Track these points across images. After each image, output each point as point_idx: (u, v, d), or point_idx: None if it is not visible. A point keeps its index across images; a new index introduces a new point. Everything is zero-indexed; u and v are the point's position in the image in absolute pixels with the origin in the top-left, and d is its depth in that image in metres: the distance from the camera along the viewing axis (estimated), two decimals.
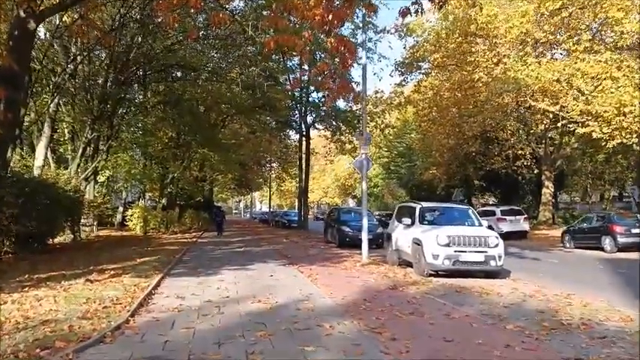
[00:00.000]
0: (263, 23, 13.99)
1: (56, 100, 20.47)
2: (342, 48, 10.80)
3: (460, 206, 15.72)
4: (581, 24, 27.04)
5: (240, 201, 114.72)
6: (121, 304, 7.57)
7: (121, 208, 34.40)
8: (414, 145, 49.62)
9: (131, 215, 28.69)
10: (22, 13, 12.18)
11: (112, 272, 10.84)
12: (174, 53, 24.93)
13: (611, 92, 24.18)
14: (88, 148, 22.65)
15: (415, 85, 34.69)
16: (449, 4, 28.91)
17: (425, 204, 14.61)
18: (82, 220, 23.06)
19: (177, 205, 35.17)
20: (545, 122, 29.99)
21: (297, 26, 18.46)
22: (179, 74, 28.66)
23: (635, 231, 20.19)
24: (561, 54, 29.74)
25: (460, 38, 29.48)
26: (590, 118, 25.32)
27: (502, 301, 8.88)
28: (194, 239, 24.93)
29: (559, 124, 28.25)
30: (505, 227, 26.85)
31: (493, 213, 28.94)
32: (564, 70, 25.28)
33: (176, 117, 29.04)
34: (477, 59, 28.42)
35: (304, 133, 38.46)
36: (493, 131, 34.90)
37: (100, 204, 26.58)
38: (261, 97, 26.82)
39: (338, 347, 5.67)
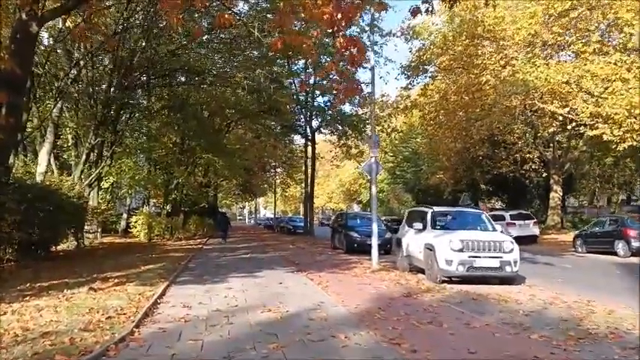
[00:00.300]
0: (269, 24, 13.73)
1: (59, 105, 20.21)
2: (352, 47, 10.51)
3: (473, 210, 15.36)
4: (591, 25, 26.67)
5: (244, 207, 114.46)
6: (125, 314, 7.23)
7: (125, 215, 34.12)
8: (420, 150, 49.25)
9: (135, 222, 28.38)
10: (24, 16, 11.93)
11: (116, 280, 10.51)
12: (179, 57, 24.66)
13: (622, 94, 23.81)
14: (92, 154, 22.36)
15: (422, 89, 34.34)
16: (457, 6, 28.85)
17: (437, 208, 14.24)
18: (86, 227, 22.76)
19: (182, 212, 34.85)
20: (554, 125, 29.52)
21: (304, 28, 18.21)
22: (183, 79, 28.38)
23: None
24: (569, 55, 29.37)
25: (467, 40, 29.12)
26: (600, 120, 24.95)
27: (521, 308, 8.51)
28: (199, 246, 24.60)
29: (568, 127, 27.80)
30: (514, 232, 26.34)
31: (502, 217, 28.50)
32: (573, 71, 24.90)
33: (180, 122, 28.75)
34: (484, 62, 28.06)
35: (309, 137, 38.14)
36: (500, 135, 34.55)
37: (104, 210, 26.32)
38: (267, 100, 26.57)
39: None
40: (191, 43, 24.60)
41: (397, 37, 33.37)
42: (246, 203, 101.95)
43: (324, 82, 32.42)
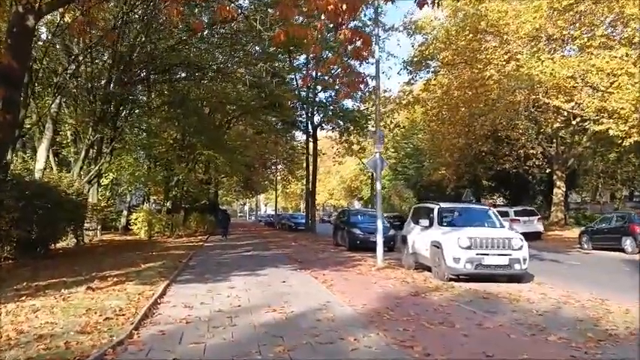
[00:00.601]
0: (272, 16, 13.43)
1: (57, 101, 19.90)
2: (357, 39, 10.22)
3: (480, 206, 15.04)
4: (596, 19, 26.32)
5: (244, 204, 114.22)
6: (124, 315, 6.95)
7: (125, 212, 33.84)
8: (422, 146, 48.97)
9: (135, 219, 28.11)
10: (20, 9, 11.62)
11: (115, 279, 10.24)
12: (179, 53, 24.33)
13: (627, 89, 23.51)
14: (91, 150, 22.06)
15: (424, 84, 34.00)
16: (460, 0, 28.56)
17: (443, 204, 13.92)
18: (86, 224, 22.50)
19: (182, 209, 34.59)
20: (559, 119, 29.21)
21: (307, 23, 17.88)
22: (183, 74, 28.08)
23: None
24: (573, 49, 29.00)
25: (470, 35, 28.78)
26: (605, 115, 24.65)
27: (534, 308, 8.21)
28: (200, 243, 24.32)
29: (573, 122, 27.51)
30: (519, 228, 25.91)
31: (506, 214, 28.14)
32: (579, 66, 24.57)
33: (181, 118, 28.43)
34: (487, 56, 27.72)
35: (311, 133, 37.83)
36: (504, 130, 34.24)
37: (104, 207, 26.05)
38: (268, 95, 26.25)
39: None
40: (191, 38, 24.29)
41: (400, 31, 33.07)
42: (247, 200, 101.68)
43: (326, 77, 32.12)
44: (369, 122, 37.11)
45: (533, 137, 38.27)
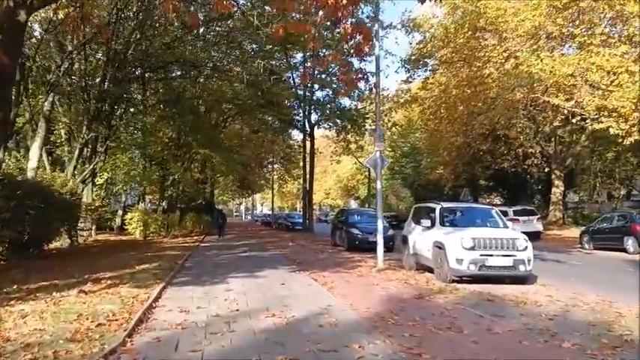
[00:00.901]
0: (270, 12, 13.16)
1: (50, 99, 19.54)
2: (357, 35, 9.94)
3: (482, 206, 14.74)
4: (596, 17, 26.11)
5: (240, 203, 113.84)
6: (117, 320, 6.63)
7: (120, 212, 33.44)
8: (419, 145, 48.74)
9: (130, 219, 27.75)
10: (11, 4, 11.29)
11: (109, 282, 9.91)
12: (174, 50, 24.01)
13: (628, 87, 23.30)
14: (85, 149, 21.73)
15: (422, 82, 33.73)
16: None
17: (445, 204, 13.63)
18: (80, 225, 22.16)
19: (178, 208, 34.22)
20: (559, 118, 28.98)
21: (304, 20, 17.57)
22: (179, 72, 27.76)
23: None
24: (572, 47, 28.75)
25: (469, 33, 28.53)
26: (605, 113, 24.41)
27: (543, 311, 7.93)
28: (196, 243, 23.99)
29: (574, 121, 27.27)
30: (518, 228, 25.73)
31: (505, 213, 27.84)
32: (579, 63, 24.33)
33: (176, 117, 28.11)
34: (487, 54, 27.45)
35: (308, 132, 37.52)
36: (502, 129, 34.02)
37: (98, 207, 25.67)
38: (265, 93, 25.94)
39: None
40: (187, 35, 23.99)
41: (398, 29, 32.79)
42: (243, 199, 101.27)
43: (324, 75, 31.86)
44: (367, 121, 36.89)
45: (532, 136, 38.11)
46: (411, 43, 33.73)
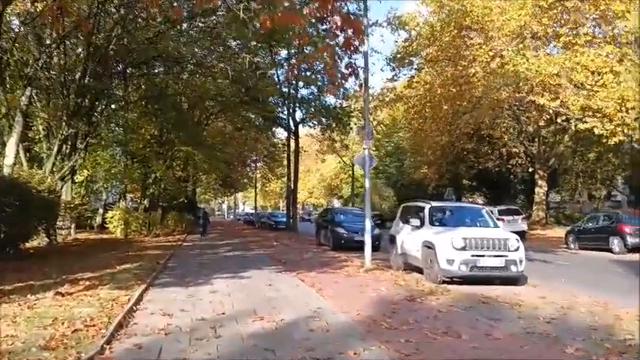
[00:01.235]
0: (257, 5, 12.78)
1: (28, 93, 18.93)
2: (348, 28, 9.61)
3: (472, 205, 14.49)
4: (581, 17, 26.10)
5: (223, 202, 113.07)
6: (94, 325, 6.23)
7: (100, 210, 32.83)
8: (403, 144, 48.64)
9: (111, 217, 27.17)
10: None
11: (87, 283, 9.49)
12: (156, 45, 23.48)
13: (612, 87, 23.32)
14: (65, 146, 21.13)
15: (408, 81, 33.54)
16: None
17: (434, 203, 13.39)
18: (59, 223, 21.60)
19: (160, 207, 33.67)
20: (545, 118, 28.98)
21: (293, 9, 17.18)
22: (162, 68, 27.23)
23: None
24: (556, 47, 28.73)
25: (455, 31, 28.37)
26: (590, 113, 24.40)
27: (540, 314, 7.67)
28: (179, 242, 23.52)
29: (558, 120, 27.27)
30: (503, 228, 25.74)
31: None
32: (565, 63, 24.29)
33: (158, 113, 27.57)
34: (472, 53, 27.31)
35: (293, 130, 37.14)
36: (487, 129, 34.02)
37: (78, 205, 25.11)
38: (250, 89, 25.52)
39: None
40: (170, 30, 23.51)
41: (383, 27, 32.52)
42: (225, 198, 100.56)
43: (309, 73, 31.54)
44: (352, 119, 36.65)
45: (515, 136, 38.21)
46: (396, 41, 33.44)
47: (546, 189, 37.37)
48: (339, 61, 12.41)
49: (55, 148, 20.40)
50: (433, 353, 5.46)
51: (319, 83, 33.69)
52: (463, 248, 10.73)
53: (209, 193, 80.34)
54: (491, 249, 10.83)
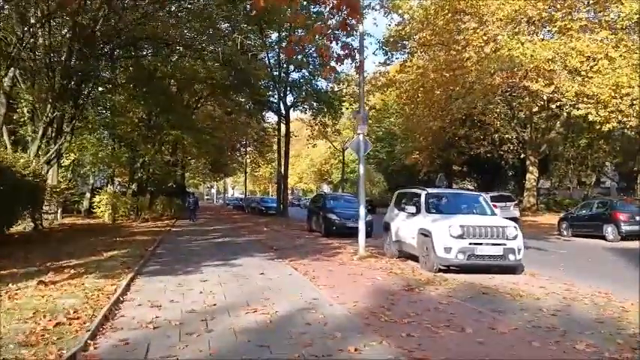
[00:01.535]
0: None
1: (11, 74, 18.35)
2: (344, 7, 9.22)
3: (469, 192, 14.18)
4: (577, 1, 25.80)
5: (212, 187, 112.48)
6: (78, 318, 5.88)
7: (88, 194, 32.29)
8: (394, 129, 48.37)
9: (99, 202, 26.67)
10: None
11: (72, 271, 9.12)
12: (144, 26, 22.87)
13: (607, 73, 23.09)
14: (50, 129, 20.58)
15: (400, 65, 33.08)
16: None
17: (431, 190, 13.10)
18: (45, 208, 21.11)
19: (149, 191, 33.21)
20: (539, 104, 28.74)
21: None
22: (150, 50, 26.62)
23: (639, 218, 19.11)
24: (551, 33, 28.37)
25: (449, 15, 27.92)
26: (584, 100, 24.18)
27: (543, 305, 7.41)
28: (167, 228, 23.14)
29: (553, 106, 27.03)
30: None
31: None
32: (559, 48, 23.99)
33: (147, 96, 26.98)
34: (466, 37, 26.91)
35: (283, 114, 36.65)
36: (480, 114, 33.78)
37: (64, 189, 24.59)
38: (240, 71, 25.01)
39: None
40: (158, 11, 22.93)
41: (376, 10, 31.98)
42: (215, 183, 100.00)
43: (300, 56, 31.02)
44: (343, 104, 36.26)
45: (507, 122, 38.06)
46: (390, 24, 32.88)
47: (537, 175, 37.25)
48: (334, 42, 12.00)
49: (40, 131, 19.85)
50: (438, 349, 5.15)
51: (311, 67, 33.23)
52: (461, 236, 10.45)
53: (198, 178, 79.78)
54: (490, 237, 10.56)
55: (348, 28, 10.70)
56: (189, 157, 48.76)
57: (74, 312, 6.13)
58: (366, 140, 13.43)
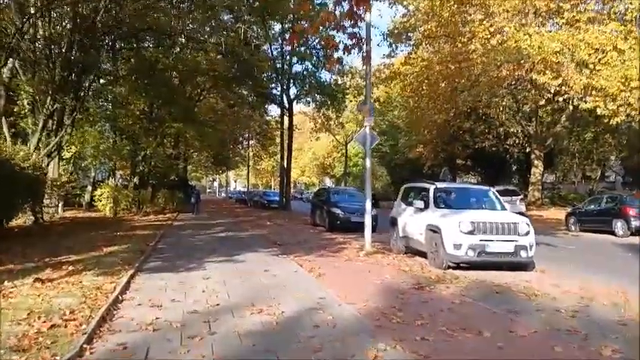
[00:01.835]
0: None
1: (10, 65, 18.03)
2: None
3: (479, 187, 13.81)
4: None
5: (214, 180, 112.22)
6: (75, 319, 5.58)
7: (89, 187, 32.04)
8: (398, 122, 47.96)
9: (100, 195, 26.40)
10: None
11: (71, 267, 8.84)
12: (146, 17, 22.52)
13: (616, 65, 22.67)
14: (50, 121, 20.29)
15: (405, 57, 32.63)
16: None
17: (439, 184, 12.76)
18: (45, 201, 20.86)
19: (150, 184, 32.93)
20: (546, 97, 28.33)
21: None
22: (152, 42, 26.30)
23: None
24: (558, 24, 27.94)
25: (455, 6, 27.48)
26: (593, 93, 23.78)
27: (560, 306, 7.09)
28: (169, 222, 22.84)
29: (560, 100, 26.61)
30: None
31: None
32: (568, 40, 23.57)
33: (148, 88, 26.64)
34: (472, 29, 26.49)
35: (286, 107, 36.27)
36: (485, 108, 33.38)
37: (65, 183, 24.35)
38: (243, 63, 24.68)
39: None
40: (160, 2, 22.60)
41: (381, 1, 31.48)
42: (217, 176, 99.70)
43: (303, 48, 30.66)
44: (347, 97, 35.90)
45: (512, 115, 37.66)
46: (394, 15, 32.47)
47: (542, 169, 36.90)
48: (341, 32, 11.64)
49: (41, 124, 19.58)
50: (455, 355, 4.85)
51: (314, 59, 32.86)
52: (471, 232, 10.13)
53: (200, 171, 79.47)
54: (501, 233, 10.23)
55: (356, 17, 10.35)
56: (192, 150, 48.44)
57: (70, 312, 5.85)
58: (372, 133, 13.09)
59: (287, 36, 32.08)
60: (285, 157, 36.92)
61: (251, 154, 60.03)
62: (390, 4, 30.11)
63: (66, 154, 26.80)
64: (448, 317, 6.31)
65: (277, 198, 41.05)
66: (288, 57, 34.35)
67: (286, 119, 36.86)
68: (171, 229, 19.66)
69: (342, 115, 41.76)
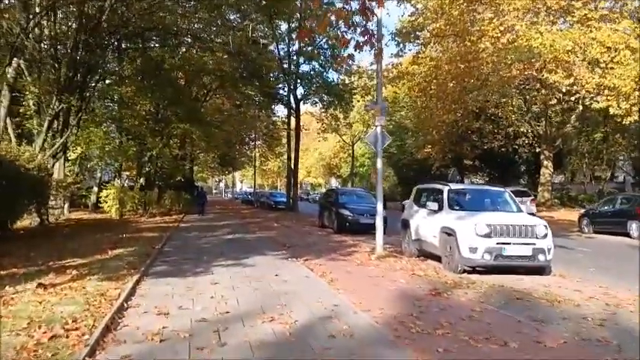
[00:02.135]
0: None
1: (15, 65, 17.81)
2: None
3: (494, 188, 13.47)
4: None
5: (220, 181, 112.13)
6: (77, 329, 5.29)
7: (95, 188, 31.80)
8: (405, 123, 47.62)
9: (106, 196, 26.14)
10: None
11: (75, 272, 8.55)
12: (152, 16, 22.28)
13: (629, 64, 22.27)
14: (56, 122, 20.06)
15: (413, 57, 32.30)
16: None
17: (453, 185, 12.43)
18: (51, 202, 20.63)
19: (157, 186, 32.69)
20: (557, 96, 27.95)
21: None
22: (158, 42, 26.06)
23: None
24: (569, 23, 27.56)
25: (464, 4, 27.12)
26: (606, 92, 23.38)
27: (585, 313, 6.78)
28: (175, 223, 22.58)
29: (572, 99, 26.23)
30: None
31: None
32: (580, 38, 23.18)
33: (155, 89, 26.40)
34: (482, 27, 26.12)
35: (293, 107, 35.98)
36: (495, 107, 33.02)
37: (70, 184, 24.10)
38: (250, 63, 24.40)
39: None
40: (166, 1, 22.34)
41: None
42: (223, 177, 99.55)
43: (310, 48, 30.40)
44: (354, 97, 35.64)
45: (521, 115, 37.28)
46: (402, 15, 32.18)
47: (552, 170, 36.48)
48: (351, 28, 11.33)
49: (46, 124, 19.33)
50: None
51: (322, 59, 32.60)
52: (487, 235, 9.80)
53: (206, 172, 79.31)
54: (518, 236, 9.91)
55: (368, 13, 10.03)
56: (198, 151, 48.21)
57: (73, 321, 5.55)
58: (384, 133, 12.76)
59: (294, 35, 31.85)
60: (293, 157, 36.62)
61: (257, 154, 59.82)
62: (398, 2, 29.79)
63: (71, 155, 26.59)
64: (470, 326, 5.99)
65: (284, 199, 40.77)
66: (295, 57, 34.10)
67: (293, 119, 36.56)
68: (177, 231, 19.39)
69: (350, 116, 41.44)
